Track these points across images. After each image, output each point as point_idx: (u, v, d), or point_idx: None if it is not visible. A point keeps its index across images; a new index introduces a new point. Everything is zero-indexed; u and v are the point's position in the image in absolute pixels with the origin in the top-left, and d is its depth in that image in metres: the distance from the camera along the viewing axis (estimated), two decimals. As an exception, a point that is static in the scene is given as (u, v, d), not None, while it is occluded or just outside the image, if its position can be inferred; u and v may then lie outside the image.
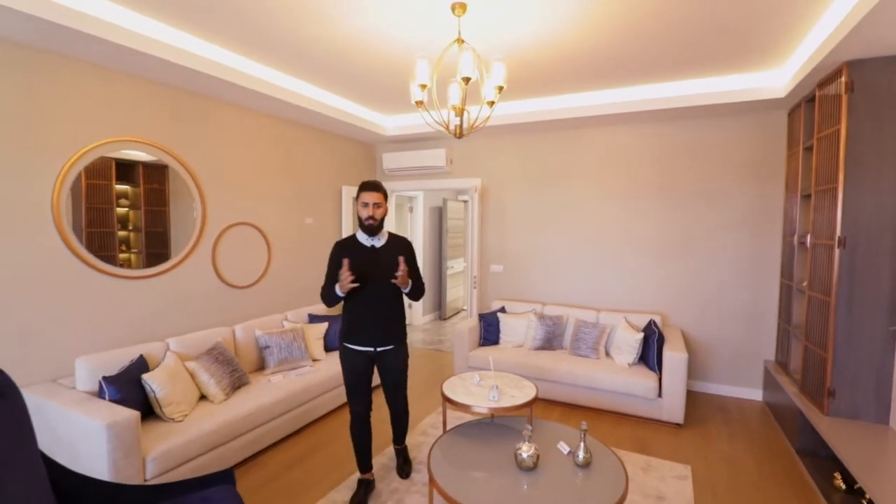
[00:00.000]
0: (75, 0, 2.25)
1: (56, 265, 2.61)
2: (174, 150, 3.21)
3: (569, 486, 1.96)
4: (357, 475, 2.59)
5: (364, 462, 2.51)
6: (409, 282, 2.39)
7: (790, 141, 3.56)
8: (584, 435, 2.09)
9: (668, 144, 4.09)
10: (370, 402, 2.51)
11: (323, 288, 2.42)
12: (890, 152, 2.49)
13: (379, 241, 2.43)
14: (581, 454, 2.06)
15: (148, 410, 2.55)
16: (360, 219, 2.38)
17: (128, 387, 2.46)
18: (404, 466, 2.70)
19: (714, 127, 3.91)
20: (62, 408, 2.26)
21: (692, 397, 3.91)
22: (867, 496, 2.06)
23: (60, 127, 2.61)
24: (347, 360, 2.44)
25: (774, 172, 3.74)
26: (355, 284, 2.26)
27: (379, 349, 2.42)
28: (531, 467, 2.03)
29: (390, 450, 2.94)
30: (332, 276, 2.39)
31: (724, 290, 3.96)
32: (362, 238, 2.43)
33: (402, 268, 2.28)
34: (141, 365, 2.62)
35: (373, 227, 2.36)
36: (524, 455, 2.03)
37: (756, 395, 3.91)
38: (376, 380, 2.60)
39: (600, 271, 4.42)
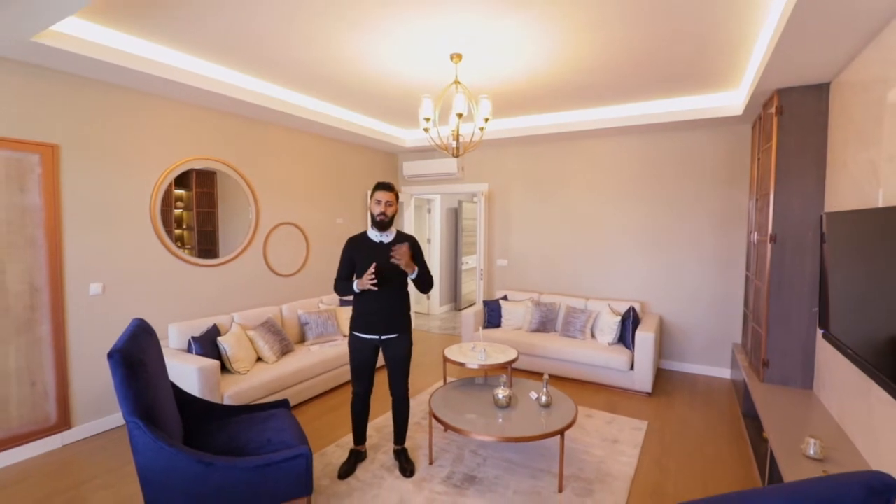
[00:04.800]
0: (168, 56, 3.07)
1: (153, 256, 3.46)
2: (235, 164, 4.03)
3: (532, 417, 2.63)
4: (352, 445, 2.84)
5: (359, 435, 2.79)
6: (415, 267, 2.55)
7: (752, 152, 4.08)
8: (546, 384, 2.76)
9: (650, 154, 4.66)
10: (371, 385, 2.75)
11: (336, 280, 2.68)
12: (810, 166, 3.02)
13: (387, 238, 2.64)
14: (543, 397, 2.73)
15: (221, 366, 3.35)
16: (372, 215, 2.60)
17: (207, 345, 3.27)
18: (406, 465, 2.69)
19: (690, 138, 4.46)
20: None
21: (668, 375, 4.48)
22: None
23: (156, 150, 3.45)
24: (355, 346, 2.66)
25: (741, 178, 4.26)
26: (375, 287, 2.44)
27: (384, 337, 2.62)
28: (505, 405, 2.71)
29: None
30: (344, 270, 2.67)
31: (700, 282, 4.50)
32: (372, 234, 2.64)
33: (402, 249, 2.43)
34: (215, 331, 3.44)
35: (384, 223, 2.58)
36: (500, 396, 2.71)
37: (725, 373, 4.45)
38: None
39: (590, 265, 5.03)
